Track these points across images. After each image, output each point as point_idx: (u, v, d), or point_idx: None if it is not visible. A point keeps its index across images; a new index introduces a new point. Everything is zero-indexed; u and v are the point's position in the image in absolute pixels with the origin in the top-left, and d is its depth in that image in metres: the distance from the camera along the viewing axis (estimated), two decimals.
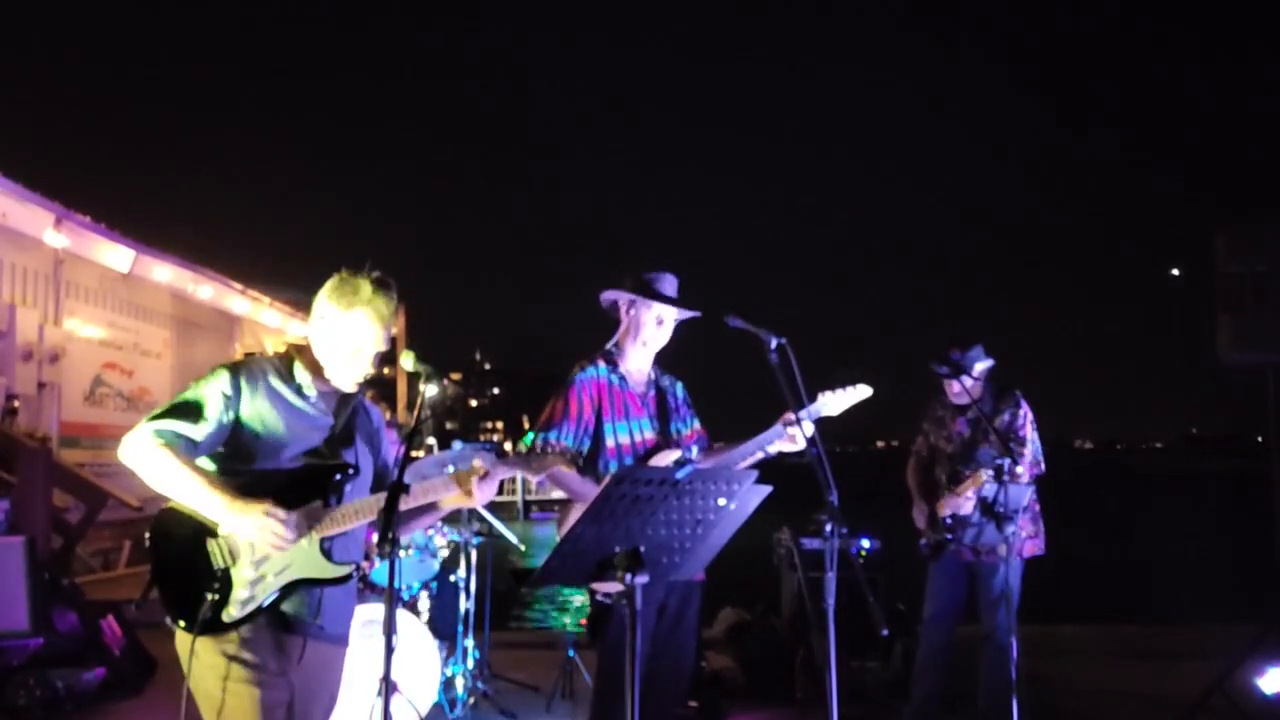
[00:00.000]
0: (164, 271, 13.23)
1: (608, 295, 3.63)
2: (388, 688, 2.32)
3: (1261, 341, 5.06)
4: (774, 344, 3.00)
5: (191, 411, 2.55)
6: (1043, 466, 4.66)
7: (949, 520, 4.59)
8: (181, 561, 2.53)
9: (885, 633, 2.91)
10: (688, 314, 3.61)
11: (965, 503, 4.50)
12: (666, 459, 3.46)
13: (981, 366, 4.66)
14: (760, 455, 3.44)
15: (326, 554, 2.59)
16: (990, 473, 4.37)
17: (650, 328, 3.55)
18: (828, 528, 2.91)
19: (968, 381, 4.60)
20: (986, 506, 4.29)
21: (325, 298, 2.70)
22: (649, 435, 3.52)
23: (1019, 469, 4.37)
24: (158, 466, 2.48)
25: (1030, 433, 4.61)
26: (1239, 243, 5.15)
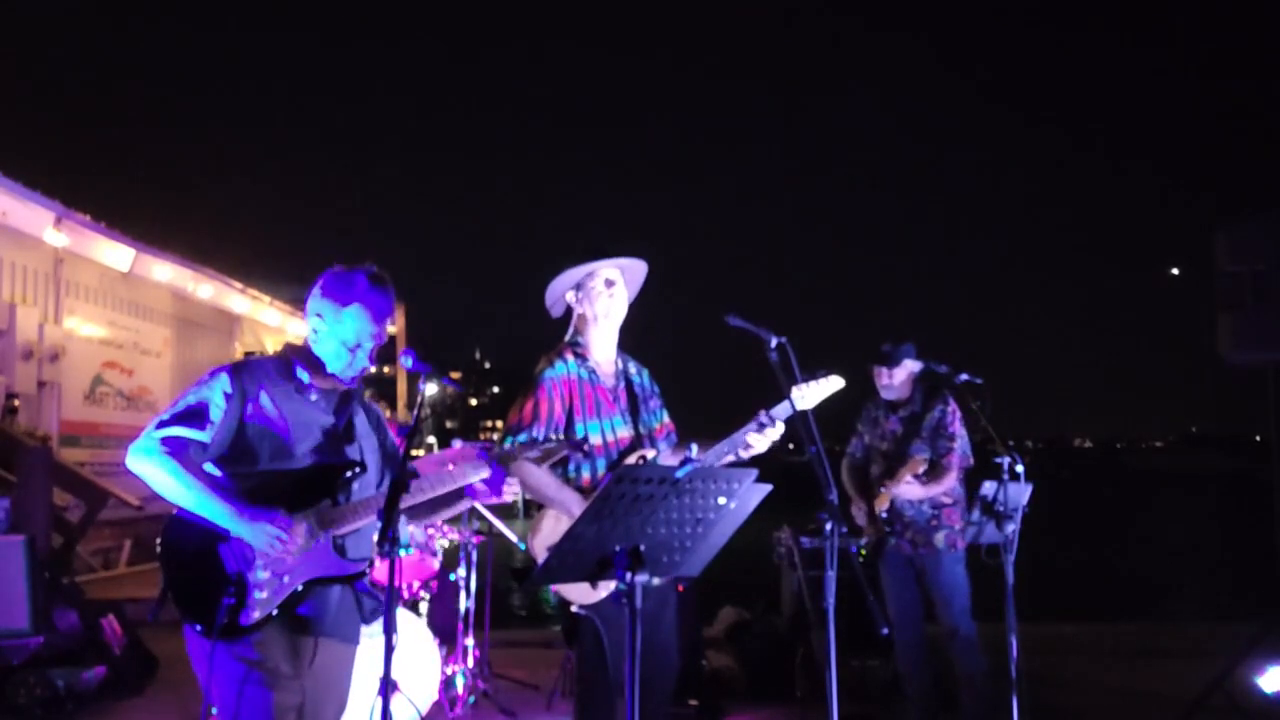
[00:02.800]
0: (164, 270, 13.22)
1: (554, 294, 3.48)
2: (388, 687, 2.32)
3: (1261, 341, 5.06)
4: (774, 343, 2.99)
5: (196, 416, 2.54)
6: (971, 461, 4.75)
7: (886, 514, 4.69)
8: (195, 568, 2.52)
9: (885, 631, 2.90)
10: (633, 271, 3.48)
11: (908, 489, 4.57)
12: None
13: (911, 364, 4.75)
14: (733, 457, 3.30)
15: (340, 551, 2.61)
16: (925, 459, 4.57)
17: (603, 298, 3.39)
18: (827, 526, 2.90)
19: (899, 374, 4.72)
20: (986, 505, 4.30)
21: (320, 293, 2.69)
22: (622, 434, 3.38)
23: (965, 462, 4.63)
24: (166, 476, 2.47)
25: (959, 428, 4.69)
26: (1239, 242, 5.15)
